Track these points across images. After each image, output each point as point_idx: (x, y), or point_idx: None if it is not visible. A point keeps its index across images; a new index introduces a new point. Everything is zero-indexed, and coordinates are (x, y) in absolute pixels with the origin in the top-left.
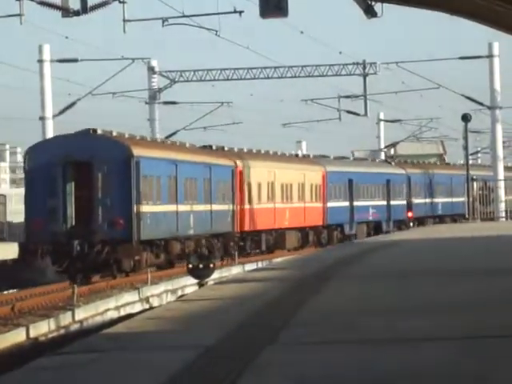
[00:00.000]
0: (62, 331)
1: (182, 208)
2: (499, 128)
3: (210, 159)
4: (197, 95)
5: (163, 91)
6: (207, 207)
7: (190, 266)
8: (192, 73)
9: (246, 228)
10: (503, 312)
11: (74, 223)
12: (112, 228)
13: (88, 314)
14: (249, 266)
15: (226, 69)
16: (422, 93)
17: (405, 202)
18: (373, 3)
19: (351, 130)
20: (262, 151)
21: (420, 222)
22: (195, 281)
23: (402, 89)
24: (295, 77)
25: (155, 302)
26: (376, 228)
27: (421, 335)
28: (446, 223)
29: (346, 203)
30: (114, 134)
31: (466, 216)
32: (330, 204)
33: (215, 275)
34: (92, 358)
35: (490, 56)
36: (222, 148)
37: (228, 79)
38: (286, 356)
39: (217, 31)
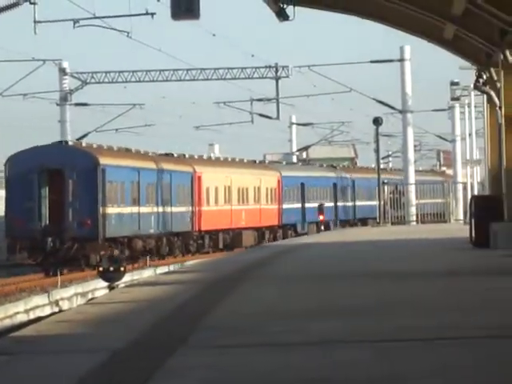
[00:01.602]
0: None
1: (143, 210)
2: (410, 132)
3: (170, 166)
4: (109, 97)
5: (74, 93)
6: (167, 209)
7: (101, 268)
8: (104, 74)
9: (204, 228)
10: (410, 315)
11: (47, 222)
12: (81, 227)
13: None
14: (161, 269)
15: (138, 71)
16: (333, 96)
17: (351, 204)
18: (285, 6)
19: (264, 133)
20: (221, 158)
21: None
22: (106, 284)
23: (314, 92)
24: (207, 79)
25: (65, 305)
26: (325, 227)
27: (331, 338)
28: (357, 226)
29: (299, 205)
30: (84, 144)
31: (377, 220)
32: (284, 206)
33: (126, 278)
34: (1, 360)
35: (402, 60)
36: (184, 155)
37: (140, 81)
38: (196, 359)
39: (128, 33)
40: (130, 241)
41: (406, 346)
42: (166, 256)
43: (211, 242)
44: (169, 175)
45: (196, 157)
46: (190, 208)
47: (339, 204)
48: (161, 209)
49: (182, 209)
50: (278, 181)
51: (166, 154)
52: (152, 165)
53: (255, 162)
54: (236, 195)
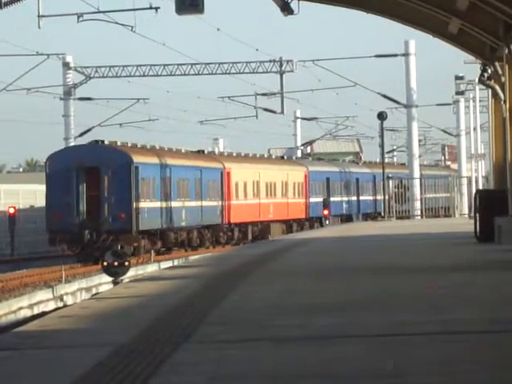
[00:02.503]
0: None
1: (174, 204)
2: (415, 126)
3: (200, 163)
4: (113, 91)
5: (78, 87)
6: (198, 203)
7: (105, 263)
8: (108, 69)
9: (234, 220)
10: (414, 309)
11: (85, 216)
12: (115, 220)
13: (1, 312)
14: (165, 264)
15: (142, 65)
16: (338, 91)
17: (371, 198)
18: (289, 0)
19: (268, 127)
20: (250, 155)
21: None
22: (110, 279)
23: (319, 87)
24: (212, 74)
25: (69, 300)
26: (348, 220)
27: (333, 332)
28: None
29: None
30: (118, 143)
31: (382, 214)
32: (311, 199)
33: (130, 273)
34: (5, 355)
35: (406, 54)
36: (214, 153)
37: (144, 75)
38: (201, 354)
39: (132, 27)
40: (162, 233)
41: (408, 341)
42: (197, 247)
43: (240, 234)
44: (199, 171)
45: (226, 154)
46: (220, 202)
47: (361, 198)
48: (192, 203)
49: (213, 203)
50: (305, 175)
51: (198, 152)
52: (183, 162)
53: (283, 157)
54: (264, 189)
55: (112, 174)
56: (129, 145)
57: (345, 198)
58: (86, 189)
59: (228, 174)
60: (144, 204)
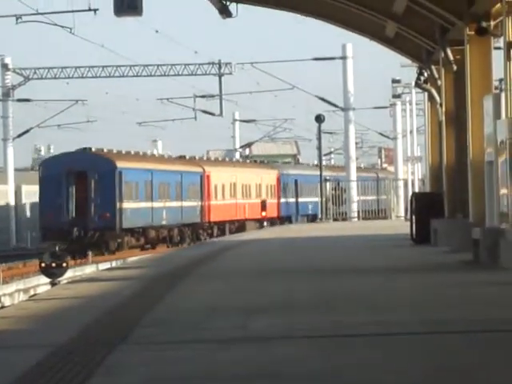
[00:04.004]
0: None
1: (156, 204)
2: (352, 129)
3: (181, 167)
4: (51, 93)
5: (17, 88)
6: (178, 203)
7: (43, 264)
8: (46, 70)
9: (213, 219)
10: (348, 311)
11: (74, 215)
12: (101, 219)
13: None
14: (103, 265)
15: (81, 67)
16: (276, 93)
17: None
18: (227, 3)
19: (207, 129)
20: (227, 159)
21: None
22: (48, 280)
23: (257, 89)
24: (151, 75)
25: (7, 302)
26: (313, 219)
27: (270, 334)
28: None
29: (293, 199)
30: (105, 150)
31: (319, 216)
32: (282, 200)
33: (68, 274)
34: None
35: (344, 57)
36: (194, 158)
37: (83, 77)
38: (137, 355)
39: (71, 29)
40: (144, 231)
41: (343, 342)
42: (178, 244)
43: (219, 231)
44: (179, 175)
45: (205, 158)
46: (200, 202)
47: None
48: (172, 203)
49: (193, 203)
50: (277, 178)
51: (180, 157)
52: (164, 166)
53: (257, 161)
54: (240, 191)
55: (98, 177)
56: (114, 152)
57: (310, 199)
58: (75, 191)
59: (208, 176)
60: (127, 204)
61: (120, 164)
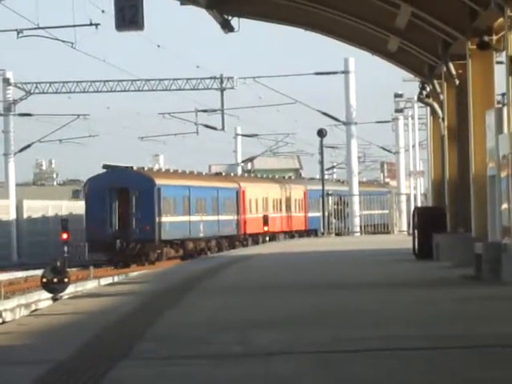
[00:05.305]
0: None
1: (193, 218)
2: (354, 143)
3: (217, 184)
4: (53, 107)
5: (18, 103)
6: (215, 217)
7: (45, 280)
8: (48, 85)
9: (248, 232)
10: (351, 326)
11: (117, 228)
12: (142, 232)
13: None
14: (105, 280)
15: (83, 81)
16: (278, 108)
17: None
18: (229, 18)
19: (209, 144)
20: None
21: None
22: (49, 295)
23: (259, 103)
24: (152, 90)
25: (8, 317)
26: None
27: (273, 349)
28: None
29: (319, 213)
30: (146, 168)
31: (322, 231)
32: (309, 214)
33: (70, 289)
34: None
35: (346, 72)
36: (230, 174)
37: (84, 92)
38: (139, 371)
39: (73, 43)
40: (182, 242)
41: (346, 358)
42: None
43: (253, 242)
44: (216, 190)
45: (239, 175)
46: (236, 216)
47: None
48: (209, 217)
49: (229, 217)
50: (304, 193)
51: (216, 174)
52: (201, 183)
53: (284, 177)
54: (271, 205)
55: (139, 194)
56: (154, 170)
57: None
58: (117, 206)
59: (243, 192)
60: (165, 218)
61: (159, 181)
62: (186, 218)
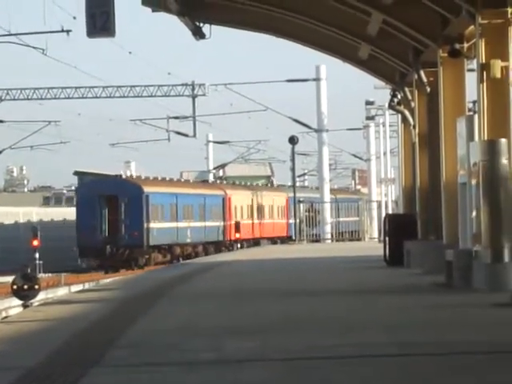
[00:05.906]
0: None
1: (180, 224)
2: (326, 150)
3: (204, 191)
4: (24, 114)
5: None
6: (202, 223)
7: (15, 286)
8: (19, 91)
9: (233, 237)
10: (321, 333)
11: (106, 234)
12: (131, 238)
13: None
14: (75, 287)
15: (54, 88)
16: (250, 115)
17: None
18: (201, 25)
19: (180, 150)
20: (245, 184)
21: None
22: (20, 302)
23: (231, 110)
24: (124, 97)
25: None
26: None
27: (244, 356)
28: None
29: None
30: (134, 176)
31: (293, 238)
32: (290, 220)
33: (41, 296)
34: None
35: (317, 79)
36: (216, 181)
37: (56, 98)
38: (110, 378)
39: (44, 50)
40: (170, 247)
41: (317, 364)
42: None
43: (239, 248)
44: (203, 197)
45: (225, 182)
46: (222, 222)
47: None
48: (196, 223)
49: (215, 223)
50: (286, 200)
51: (203, 181)
52: (188, 190)
53: (268, 185)
54: (256, 212)
55: (127, 201)
56: (142, 178)
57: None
58: (107, 213)
59: (229, 199)
60: (153, 224)
61: (147, 189)
62: (173, 225)
